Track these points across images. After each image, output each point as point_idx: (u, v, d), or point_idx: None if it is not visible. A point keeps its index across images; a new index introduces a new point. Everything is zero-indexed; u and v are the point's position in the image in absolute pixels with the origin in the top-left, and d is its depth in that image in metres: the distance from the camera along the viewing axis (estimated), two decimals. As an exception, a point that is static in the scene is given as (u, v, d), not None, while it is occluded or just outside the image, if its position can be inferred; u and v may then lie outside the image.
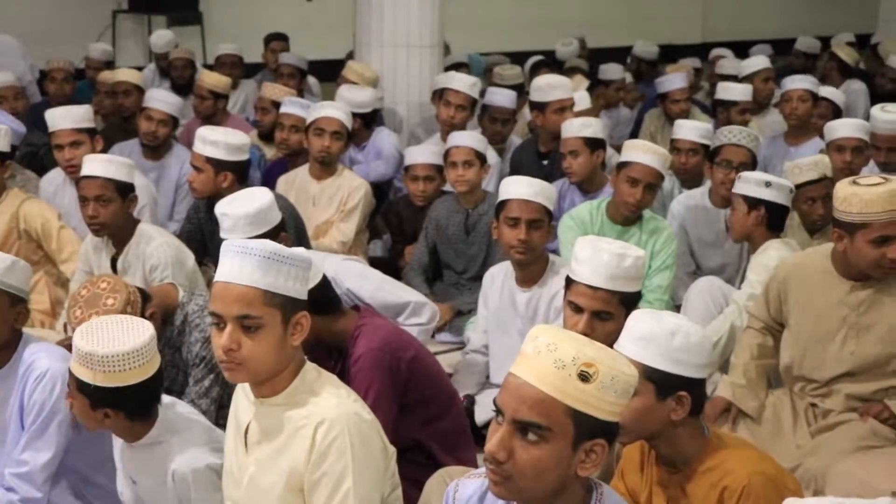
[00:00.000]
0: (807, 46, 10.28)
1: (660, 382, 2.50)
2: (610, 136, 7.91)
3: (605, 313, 3.25)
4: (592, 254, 3.27)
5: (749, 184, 4.55)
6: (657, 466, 2.62)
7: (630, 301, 3.28)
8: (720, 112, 6.89)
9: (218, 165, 4.90)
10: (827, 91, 7.16)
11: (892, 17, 11.12)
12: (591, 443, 2.04)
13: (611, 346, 2.51)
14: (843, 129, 5.69)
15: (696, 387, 2.55)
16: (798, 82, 6.85)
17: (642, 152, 4.87)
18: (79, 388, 2.91)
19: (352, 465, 2.54)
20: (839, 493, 3.40)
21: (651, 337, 2.53)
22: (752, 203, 4.52)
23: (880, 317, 3.69)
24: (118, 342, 2.85)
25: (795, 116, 6.68)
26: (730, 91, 7.00)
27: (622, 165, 4.88)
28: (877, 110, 5.83)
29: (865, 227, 3.57)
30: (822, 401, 3.82)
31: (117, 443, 3.12)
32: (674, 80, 7.59)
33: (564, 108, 6.14)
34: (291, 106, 6.12)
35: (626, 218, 4.85)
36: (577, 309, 3.29)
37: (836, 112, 6.88)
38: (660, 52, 10.18)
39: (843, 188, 3.66)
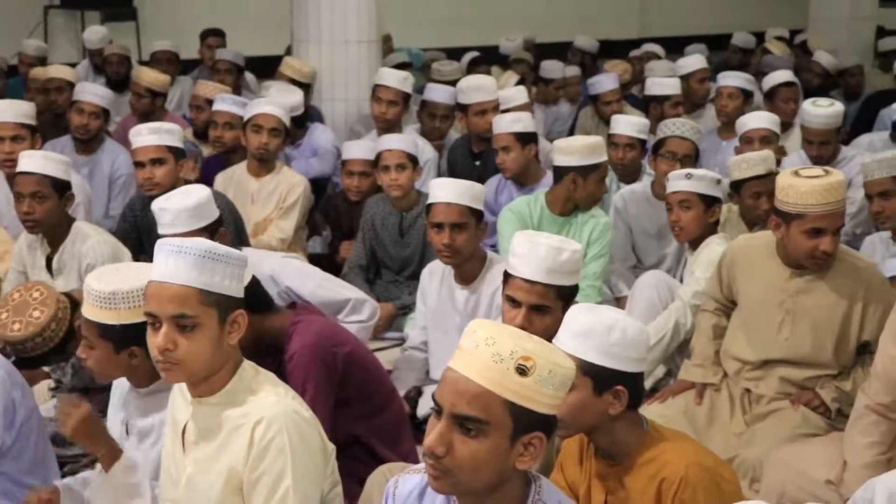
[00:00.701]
0: (743, 42, 10.39)
1: (597, 377, 2.51)
2: (549, 131, 7.99)
3: (542, 307, 3.27)
4: (529, 248, 3.29)
5: (703, 181, 4.57)
6: (596, 459, 2.64)
7: (567, 294, 3.29)
8: (653, 108, 6.93)
9: (179, 154, 4.88)
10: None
11: (823, 14, 11.26)
12: (530, 436, 2.04)
13: (549, 339, 2.52)
14: (751, 121, 5.78)
15: (633, 381, 2.57)
16: (729, 79, 6.93)
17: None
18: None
19: (291, 464, 2.53)
20: (775, 483, 3.46)
21: (588, 332, 2.54)
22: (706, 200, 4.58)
23: (813, 306, 3.77)
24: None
25: (725, 113, 6.77)
26: (660, 86, 7.05)
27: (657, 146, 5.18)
28: (808, 105, 5.93)
29: (801, 218, 3.65)
30: (756, 385, 3.88)
31: (117, 402, 3.10)
32: (604, 81, 7.61)
33: (485, 110, 6.15)
34: (224, 103, 6.05)
35: (564, 209, 4.88)
36: (515, 303, 3.30)
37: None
38: (599, 47, 10.25)
39: (783, 178, 3.74)
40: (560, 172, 4.88)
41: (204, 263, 2.51)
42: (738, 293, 3.96)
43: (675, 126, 5.36)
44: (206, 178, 5.69)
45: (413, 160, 5.35)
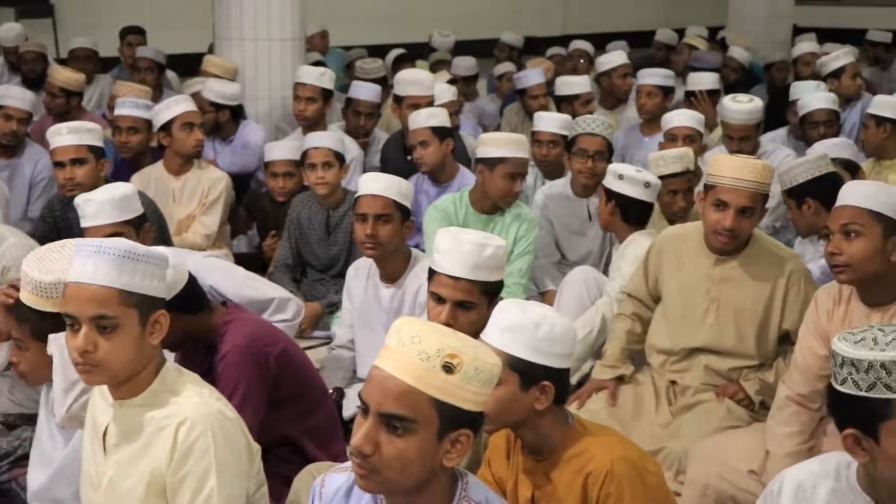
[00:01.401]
0: (667, 38, 10.52)
1: (524, 372, 2.52)
2: (475, 127, 7.97)
3: (467, 303, 3.27)
4: (453, 244, 3.29)
5: (608, 175, 4.67)
6: (523, 455, 2.64)
7: (492, 290, 3.30)
8: (564, 107, 6.95)
9: (99, 153, 4.84)
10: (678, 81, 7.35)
11: (742, 12, 11.45)
12: (457, 433, 2.04)
13: (474, 335, 2.52)
14: (676, 118, 5.86)
15: (559, 376, 2.58)
16: (648, 77, 7.00)
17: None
18: (33, 332, 2.87)
19: (215, 465, 2.50)
20: (699, 474, 3.51)
21: (516, 327, 2.55)
22: (608, 194, 4.64)
23: (737, 294, 3.83)
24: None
25: (646, 110, 6.84)
26: (569, 85, 7.08)
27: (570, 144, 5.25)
28: (728, 101, 6.01)
29: (713, 189, 3.73)
30: (681, 376, 3.93)
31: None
32: (531, 76, 7.65)
33: (417, 105, 6.14)
34: (125, 107, 5.86)
35: (485, 206, 4.88)
36: (440, 299, 3.30)
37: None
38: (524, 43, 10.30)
39: (717, 156, 3.84)
40: (476, 165, 4.93)
41: (124, 263, 2.47)
42: (662, 286, 4.00)
43: (585, 123, 5.39)
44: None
45: (339, 158, 5.33)
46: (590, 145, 5.27)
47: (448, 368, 2.00)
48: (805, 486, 2.35)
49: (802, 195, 4.57)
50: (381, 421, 2.02)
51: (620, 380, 3.99)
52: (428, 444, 2.02)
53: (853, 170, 4.94)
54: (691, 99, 7.07)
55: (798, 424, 3.42)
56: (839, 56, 7.59)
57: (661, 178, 4.78)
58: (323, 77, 6.45)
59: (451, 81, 7.40)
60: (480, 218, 4.89)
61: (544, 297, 5.10)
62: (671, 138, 5.75)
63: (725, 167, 3.73)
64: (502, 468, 2.71)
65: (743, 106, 5.88)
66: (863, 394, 2.15)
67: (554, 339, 2.55)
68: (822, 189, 4.42)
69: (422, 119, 5.56)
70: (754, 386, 3.81)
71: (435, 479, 2.08)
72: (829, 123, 6.10)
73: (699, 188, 4.28)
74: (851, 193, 3.33)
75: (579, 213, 5.33)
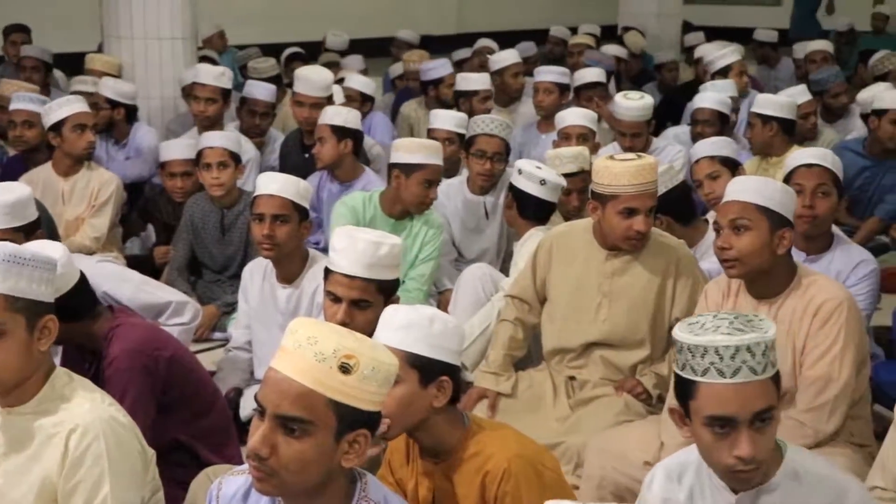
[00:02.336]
0: (563, 34, 10.66)
1: (423, 369, 2.53)
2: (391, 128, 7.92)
3: (363, 301, 3.26)
4: (349, 243, 3.28)
5: (514, 170, 4.73)
6: (421, 458, 2.65)
7: (388, 289, 3.30)
8: (462, 103, 6.94)
9: None
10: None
11: (632, 10, 11.64)
12: (355, 434, 2.04)
13: (371, 334, 2.52)
14: (569, 117, 5.94)
15: (455, 374, 2.59)
16: (545, 74, 7.07)
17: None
18: None
19: (108, 471, 2.46)
20: (595, 468, 3.55)
21: (411, 324, 2.56)
22: (509, 189, 4.69)
23: (629, 286, 3.89)
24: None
25: (543, 107, 6.91)
26: (469, 81, 7.11)
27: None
28: (620, 98, 6.11)
29: (615, 199, 3.77)
30: (579, 372, 3.98)
31: None
32: (442, 67, 7.67)
33: (301, 103, 6.12)
34: (21, 101, 5.77)
35: (395, 210, 4.87)
36: (336, 298, 3.29)
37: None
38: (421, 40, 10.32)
39: (599, 162, 3.89)
40: (389, 171, 4.88)
41: (9, 268, 2.41)
42: (551, 285, 4.04)
43: (483, 123, 5.38)
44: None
45: (235, 158, 5.28)
46: (488, 147, 5.28)
47: (345, 369, 2.00)
48: (672, 475, 2.45)
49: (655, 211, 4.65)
50: (277, 423, 2.00)
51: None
52: (326, 446, 2.01)
53: (733, 167, 5.04)
54: (580, 95, 7.16)
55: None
56: (726, 54, 7.77)
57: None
58: (222, 77, 6.39)
59: (339, 81, 7.38)
60: (388, 221, 4.87)
61: (442, 296, 5.12)
62: (565, 137, 5.82)
63: (623, 174, 3.76)
64: (402, 471, 2.71)
65: (634, 103, 5.98)
66: (678, 371, 2.32)
67: (448, 335, 2.57)
68: (672, 202, 4.50)
69: (326, 116, 5.55)
70: (651, 380, 3.88)
71: (333, 480, 2.08)
72: (711, 123, 6.22)
73: None
74: (739, 189, 3.40)
75: (476, 211, 5.36)
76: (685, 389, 2.30)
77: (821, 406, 3.26)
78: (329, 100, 6.19)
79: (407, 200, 4.83)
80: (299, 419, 1.99)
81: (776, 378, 2.28)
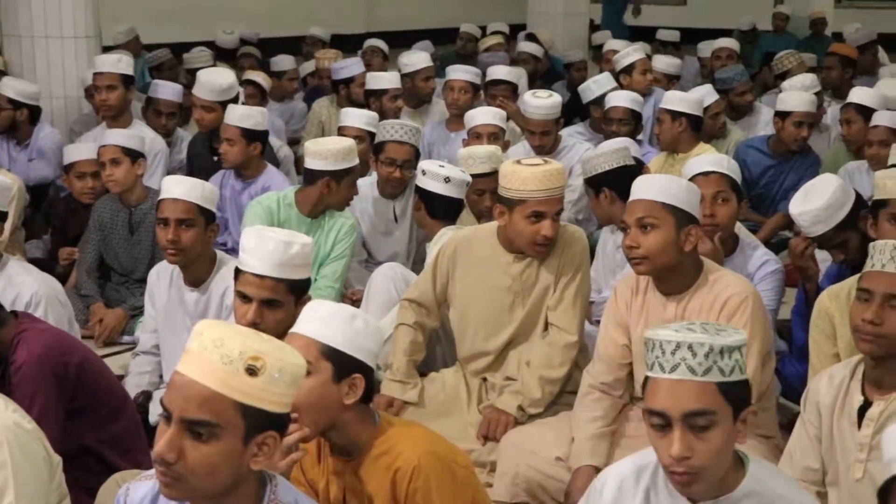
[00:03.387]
0: (474, 31, 10.70)
1: (337, 363, 2.51)
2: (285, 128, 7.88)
3: (273, 301, 3.24)
4: (258, 243, 3.26)
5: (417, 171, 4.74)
6: (332, 457, 2.64)
7: (299, 288, 3.28)
8: (372, 102, 6.94)
9: None
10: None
11: (540, 9, 11.72)
12: (263, 436, 2.02)
13: (282, 334, 2.50)
14: (479, 116, 5.96)
15: (369, 374, 2.59)
16: (459, 73, 7.07)
17: None
18: None
19: (13, 479, 2.41)
20: (509, 465, 3.58)
21: (332, 317, 2.54)
22: (416, 190, 4.70)
23: (538, 282, 3.93)
24: None
25: (457, 106, 6.89)
26: (378, 80, 7.09)
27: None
28: (528, 96, 6.14)
29: (523, 204, 3.78)
30: (492, 375, 4.00)
31: None
32: (354, 66, 7.65)
33: (203, 105, 6.06)
34: None
35: (314, 211, 4.85)
36: (246, 298, 3.27)
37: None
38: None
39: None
40: (314, 175, 4.82)
41: None
42: (455, 291, 4.05)
43: (393, 129, 5.28)
44: None
45: (131, 154, 5.18)
46: (398, 154, 5.22)
47: (251, 371, 1.98)
48: (627, 481, 2.41)
49: (600, 185, 4.70)
50: (184, 427, 1.97)
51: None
52: (234, 449, 1.99)
53: (637, 168, 5.10)
54: (489, 92, 7.18)
55: (601, 410, 3.52)
56: (630, 52, 7.87)
57: (471, 176, 4.84)
58: (120, 63, 6.27)
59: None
60: (304, 220, 4.84)
61: (350, 298, 5.09)
62: (476, 136, 5.81)
63: (530, 180, 3.77)
64: (314, 471, 2.70)
65: (543, 101, 6.02)
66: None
67: (368, 334, 2.56)
68: (619, 180, 4.55)
69: (234, 118, 5.48)
70: (514, 401, 3.87)
71: (242, 483, 2.05)
72: (625, 122, 6.29)
73: None
74: (644, 187, 3.45)
75: (385, 214, 5.34)
76: (644, 385, 2.30)
77: None
78: (224, 104, 6.04)
79: (336, 204, 4.85)
80: (206, 423, 1.97)
81: (731, 386, 2.21)
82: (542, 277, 3.92)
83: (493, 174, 4.88)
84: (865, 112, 6.00)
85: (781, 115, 6.21)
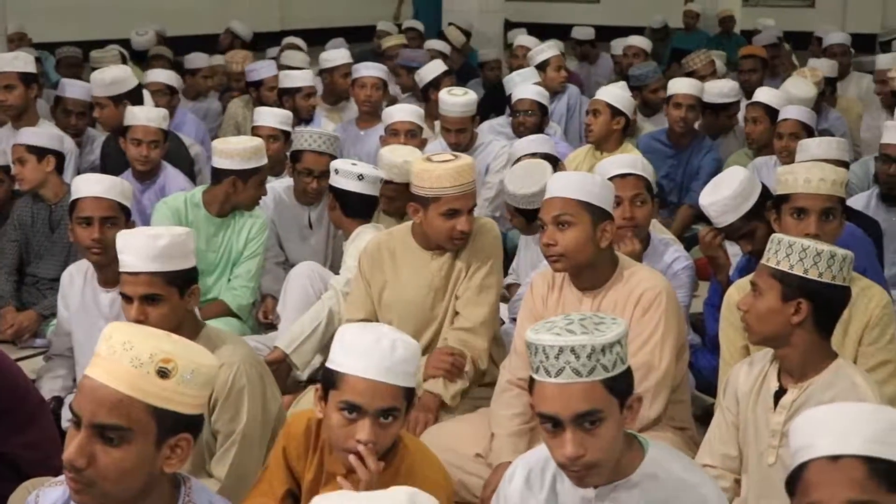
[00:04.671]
0: (390, 28, 10.69)
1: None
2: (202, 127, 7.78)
3: (154, 296, 3.20)
4: (128, 240, 3.24)
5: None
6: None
7: (180, 279, 3.22)
8: (286, 100, 6.88)
9: None
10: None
11: (455, 7, 11.75)
12: (176, 438, 2.00)
13: (169, 328, 2.47)
14: (397, 113, 5.94)
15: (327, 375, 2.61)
16: (370, 70, 7.05)
17: None
18: None
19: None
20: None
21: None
22: (329, 190, 4.71)
23: (452, 275, 3.96)
24: None
25: (369, 104, 6.86)
26: (292, 79, 7.03)
27: None
28: (444, 94, 6.15)
29: (437, 201, 3.79)
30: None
31: None
32: (266, 68, 7.58)
33: (97, 102, 5.97)
34: None
35: (222, 210, 4.81)
36: (127, 298, 3.24)
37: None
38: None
39: (417, 165, 3.91)
40: (220, 175, 4.78)
41: None
42: (381, 290, 4.05)
43: (311, 139, 5.17)
44: None
45: (36, 151, 5.08)
46: (315, 165, 5.11)
47: (163, 373, 1.96)
48: (535, 470, 2.46)
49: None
50: (94, 432, 1.95)
51: None
52: (146, 453, 1.97)
53: (553, 164, 5.14)
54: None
55: (520, 406, 3.53)
56: (544, 49, 7.94)
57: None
58: (16, 61, 6.10)
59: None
60: (213, 220, 4.79)
61: (264, 301, 5.05)
62: (393, 133, 5.79)
63: (443, 177, 3.79)
64: (300, 462, 2.72)
65: (458, 98, 6.04)
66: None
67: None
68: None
69: (142, 118, 5.40)
70: (442, 387, 3.89)
71: (155, 486, 2.03)
72: (532, 113, 6.37)
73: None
74: (560, 185, 3.47)
75: (300, 220, 5.29)
76: (531, 387, 2.32)
77: (643, 393, 3.35)
78: (118, 99, 5.96)
79: (244, 203, 4.81)
80: (117, 427, 1.94)
81: (615, 380, 2.26)
82: (456, 270, 3.95)
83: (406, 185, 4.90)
84: (772, 112, 6.12)
85: (668, 101, 6.47)
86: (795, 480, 1.88)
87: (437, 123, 6.38)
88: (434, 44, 9.63)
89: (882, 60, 8.35)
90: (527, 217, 4.76)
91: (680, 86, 6.53)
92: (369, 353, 2.52)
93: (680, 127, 6.41)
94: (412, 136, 5.76)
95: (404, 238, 4.03)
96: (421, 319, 3.99)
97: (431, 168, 3.82)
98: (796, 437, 1.91)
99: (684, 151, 6.44)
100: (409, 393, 2.59)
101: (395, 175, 4.81)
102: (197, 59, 8.66)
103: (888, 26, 12.42)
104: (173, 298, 3.16)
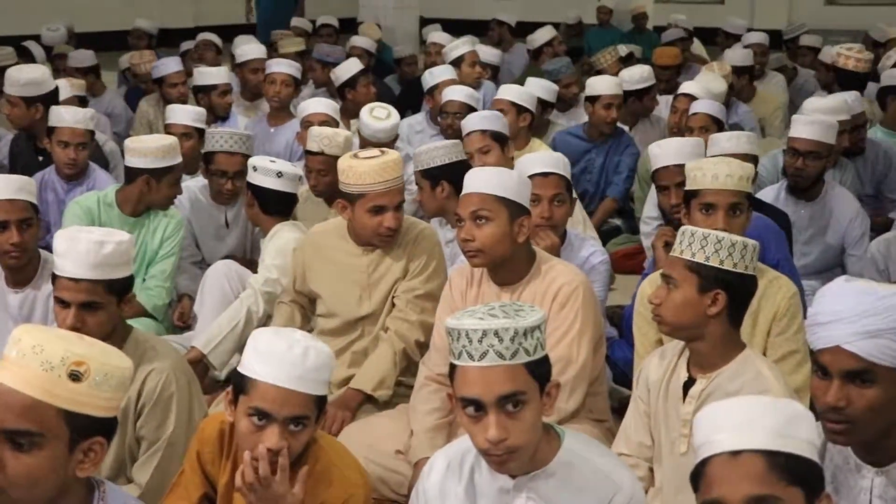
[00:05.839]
0: (305, 25, 10.64)
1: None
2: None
3: (93, 304, 3.12)
4: (70, 245, 3.12)
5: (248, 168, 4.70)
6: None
7: (119, 287, 3.15)
8: (201, 98, 6.81)
9: None
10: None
11: (371, 3, 11.73)
12: (89, 442, 1.96)
13: (105, 335, 2.43)
14: (311, 106, 5.92)
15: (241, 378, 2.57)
16: (281, 66, 6.99)
17: None
18: None
19: None
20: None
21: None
22: (247, 187, 4.67)
23: (385, 274, 3.96)
24: None
25: (279, 99, 6.80)
26: (206, 76, 6.95)
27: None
28: (366, 115, 5.73)
29: (363, 197, 3.79)
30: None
31: None
32: (169, 64, 7.47)
33: (9, 100, 5.84)
34: None
35: (136, 209, 4.73)
36: (64, 303, 3.14)
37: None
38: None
39: (343, 161, 3.91)
40: (133, 174, 4.70)
41: None
42: (313, 284, 4.06)
43: (223, 139, 5.07)
44: None
45: None
46: (228, 166, 5.04)
47: (75, 377, 1.92)
48: (453, 463, 2.49)
49: (438, 178, 4.68)
50: (3, 438, 1.90)
51: None
52: (58, 458, 1.93)
53: (503, 142, 5.18)
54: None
55: (438, 401, 3.54)
56: (458, 45, 7.95)
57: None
58: None
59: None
60: (127, 220, 4.71)
61: (181, 301, 4.98)
62: (308, 126, 5.73)
63: (368, 173, 3.78)
64: (213, 467, 2.70)
65: (381, 124, 5.67)
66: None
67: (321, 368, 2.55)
68: (458, 174, 4.56)
69: (69, 119, 5.29)
70: (367, 383, 3.90)
71: (69, 491, 1.99)
72: (461, 115, 6.33)
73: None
74: (477, 181, 3.48)
75: (217, 219, 5.22)
76: (451, 374, 2.34)
77: (561, 386, 3.38)
78: (33, 100, 5.78)
79: (158, 202, 4.75)
80: (27, 432, 1.90)
81: (536, 364, 2.31)
82: (391, 272, 3.95)
83: (319, 154, 4.87)
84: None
85: (591, 100, 6.46)
86: (698, 476, 1.91)
87: (353, 123, 6.30)
88: (359, 41, 9.56)
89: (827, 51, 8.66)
90: None
91: (604, 86, 6.49)
92: (281, 361, 2.49)
93: (608, 127, 6.44)
94: (326, 126, 5.68)
95: (337, 231, 4.03)
96: (346, 313, 3.98)
97: (356, 165, 3.82)
98: (698, 433, 1.94)
99: (602, 146, 6.49)
100: (321, 400, 2.56)
101: (325, 145, 4.83)
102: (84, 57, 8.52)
103: (794, 22, 12.64)
104: (111, 306, 3.09)
